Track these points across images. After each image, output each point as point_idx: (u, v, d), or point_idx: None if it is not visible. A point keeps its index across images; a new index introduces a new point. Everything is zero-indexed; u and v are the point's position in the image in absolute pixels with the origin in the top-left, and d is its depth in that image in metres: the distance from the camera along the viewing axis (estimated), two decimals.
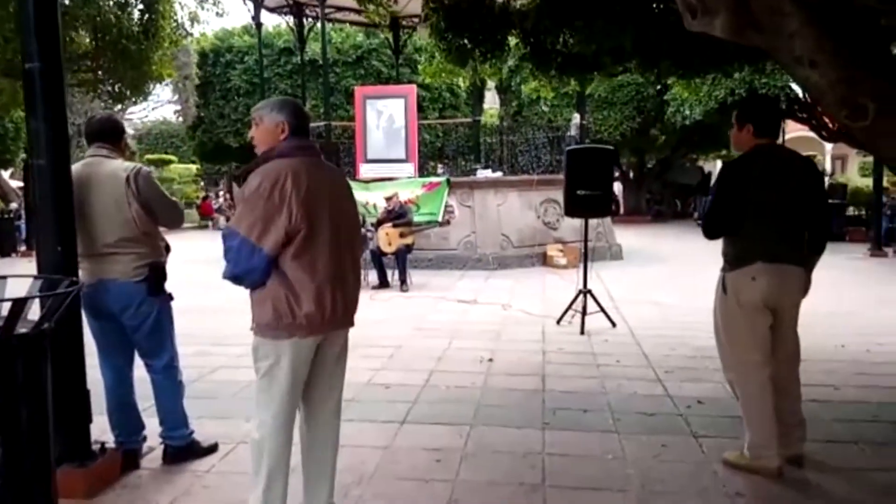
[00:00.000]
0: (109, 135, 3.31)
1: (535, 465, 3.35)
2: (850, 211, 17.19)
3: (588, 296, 6.55)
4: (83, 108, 20.42)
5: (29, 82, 2.91)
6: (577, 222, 7.04)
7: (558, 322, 6.70)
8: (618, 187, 23.92)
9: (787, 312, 3.22)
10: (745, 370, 3.21)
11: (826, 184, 15.75)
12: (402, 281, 9.24)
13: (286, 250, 2.35)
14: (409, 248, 9.45)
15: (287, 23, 16.60)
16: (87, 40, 12.69)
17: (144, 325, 3.24)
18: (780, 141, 3.51)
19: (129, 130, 31.70)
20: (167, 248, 3.39)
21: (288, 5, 14.77)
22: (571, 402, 4.31)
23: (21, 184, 20.49)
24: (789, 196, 3.12)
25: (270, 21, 22.61)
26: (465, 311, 7.64)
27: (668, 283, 9.71)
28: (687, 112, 18.00)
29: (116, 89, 13.87)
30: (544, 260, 11.64)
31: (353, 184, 8.91)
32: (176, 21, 13.70)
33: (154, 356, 3.34)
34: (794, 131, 21.64)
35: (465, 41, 6.17)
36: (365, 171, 12.79)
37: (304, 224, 2.34)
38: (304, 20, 15.41)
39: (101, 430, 3.29)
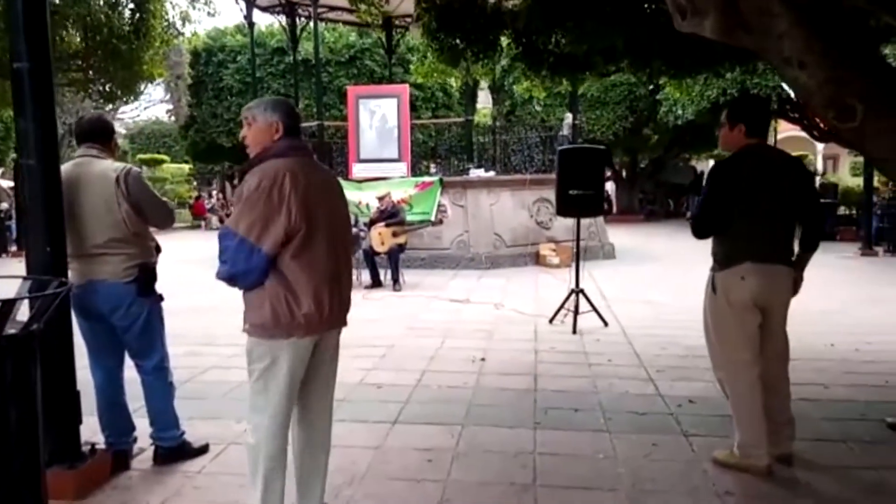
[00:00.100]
0: (99, 135, 3.30)
1: (527, 464, 3.36)
2: (841, 210, 17.29)
3: (580, 295, 6.57)
4: (74, 108, 20.32)
5: (17, 82, 2.89)
6: (570, 221, 7.05)
7: (550, 321, 6.71)
8: (610, 187, 24.00)
9: (776, 311, 3.23)
10: (734, 369, 3.23)
11: (817, 183, 15.88)
12: (395, 280, 9.24)
13: (284, 250, 2.35)
14: (401, 248, 9.45)
15: (280, 22, 16.57)
16: (78, 39, 12.65)
17: (134, 325, 3.23)
18: (770, 141, 3.53)
19: (121, 130, 31.57)
20: (157, 249, 3.38)
21: (280, 5, 14.72)
22: (563, 402, 4.32)
23: (12, 184, 20.33)
24: (779, 196, 3.13)
25: (263, 20, 22.63)
26: (457, 311, 7.64)
27: (660, 282, 9.75)
28: (679, 112, 18.08)
29: (107, 89, 13.84)
30: (537, 259, 11.65)
31: (345, 183, 8.95)
32: (167, 20, 13.68)
33: (144, 357, 3.32)
34: (785, 131, 21.80)
35: (458, 41, 6.17)
36: (358, 170, 12.77)
37: (303, 224, 2.34)
38: (297, 19, 15.37)
39: (92, 431, 3.28)
